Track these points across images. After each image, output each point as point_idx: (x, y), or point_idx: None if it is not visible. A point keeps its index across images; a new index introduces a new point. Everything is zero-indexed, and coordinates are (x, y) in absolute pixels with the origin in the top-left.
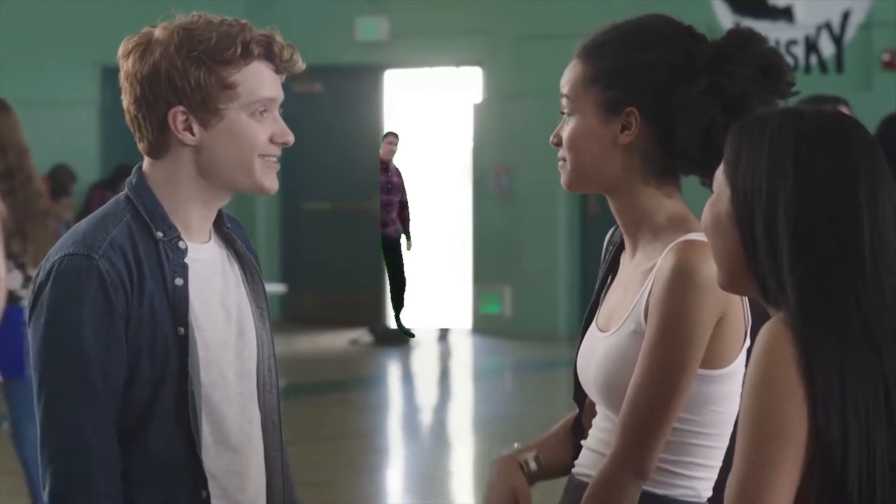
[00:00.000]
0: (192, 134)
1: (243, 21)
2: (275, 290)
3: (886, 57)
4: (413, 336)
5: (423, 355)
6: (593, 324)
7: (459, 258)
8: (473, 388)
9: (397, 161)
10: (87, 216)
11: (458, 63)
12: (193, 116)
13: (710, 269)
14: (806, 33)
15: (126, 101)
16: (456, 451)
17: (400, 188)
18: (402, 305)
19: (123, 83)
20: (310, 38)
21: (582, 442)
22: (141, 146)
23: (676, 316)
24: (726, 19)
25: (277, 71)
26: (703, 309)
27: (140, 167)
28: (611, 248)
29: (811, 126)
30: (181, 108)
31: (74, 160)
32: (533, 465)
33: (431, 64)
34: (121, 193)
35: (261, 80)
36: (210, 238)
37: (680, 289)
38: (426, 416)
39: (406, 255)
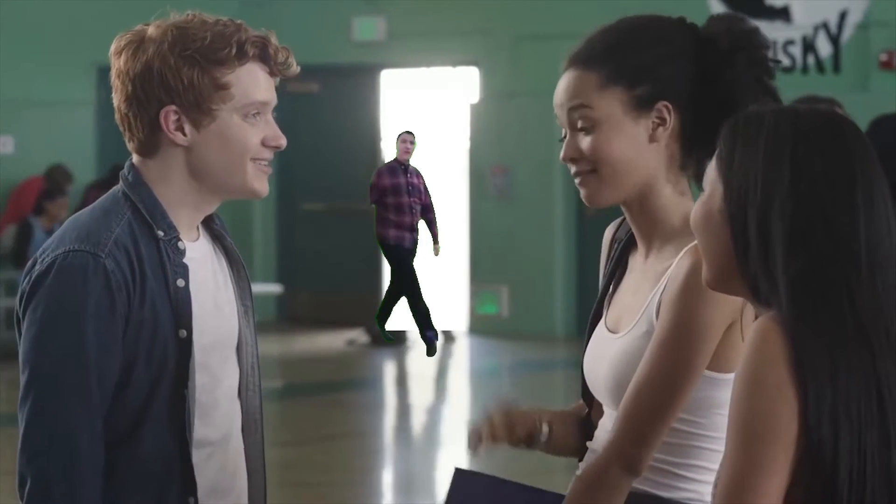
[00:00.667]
0: (184, 134)
1: (238, 21)
2: (271, 291)
3: (884, 57)
4: (435, 342)
5: (420, 356)
6: (601, 324)
7: (456, 258)
8: (470, 389)
9: (414, 161)
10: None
11: (455, 63)
12: (185, 116)
13: None
14: (803, 33)
15: (117, 99)
16: (453, 452)
17: (422, 190)
18: (424, 313)
19: (115, 81)
20: (306, 37)
21: (588, 444)
22: (130, 145)
23: (688, 317)
24: None
25: (272, 73)
26: (716, 313)
27: (132, 163)
28: (616, 245)
29: (808, 125)
30: (173, 107)
31: (71, 160)
32: (545, 429)
33: (428, 64)
34: (115, 188)
35: (255, 82)
36: (199, 235)
37: (695, 291)
38: (423, 417)
39: (418, 263)
